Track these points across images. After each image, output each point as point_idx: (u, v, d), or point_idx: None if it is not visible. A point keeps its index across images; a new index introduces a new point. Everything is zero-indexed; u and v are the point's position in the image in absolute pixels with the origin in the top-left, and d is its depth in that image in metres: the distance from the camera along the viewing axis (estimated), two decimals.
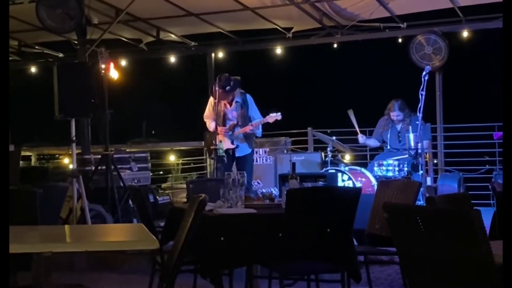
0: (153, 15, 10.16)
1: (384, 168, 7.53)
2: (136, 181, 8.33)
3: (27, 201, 4.14)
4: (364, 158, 9.14)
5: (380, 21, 9.96)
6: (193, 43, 11.37)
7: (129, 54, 11.66)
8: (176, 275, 3.14)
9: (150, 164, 9.16)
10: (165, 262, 4.16)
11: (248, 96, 7.54)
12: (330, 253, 4.09)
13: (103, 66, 7.43)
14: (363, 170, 8.01)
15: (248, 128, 7.38)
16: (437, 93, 10.09)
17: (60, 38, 10.62)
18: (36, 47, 11.67)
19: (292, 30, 10.60)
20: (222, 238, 4.01)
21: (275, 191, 4.83)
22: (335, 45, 10.65)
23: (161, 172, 12.89)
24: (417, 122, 7.02)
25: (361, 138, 8.25)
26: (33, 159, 12.17)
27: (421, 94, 6.88)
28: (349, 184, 7.71)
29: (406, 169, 7.37)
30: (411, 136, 7.11)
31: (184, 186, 9.18)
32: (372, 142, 8.35)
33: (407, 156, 7.33)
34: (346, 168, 8.02)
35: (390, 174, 7.46)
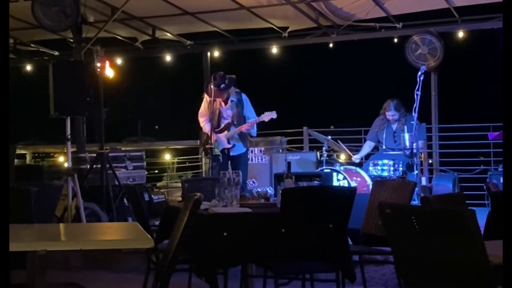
0: (149, 14, 10.15)
1: (379, 167, 7.54)
2: (131, 180, 8.32)
3: (22, 199, 4.13)
4: (359, 161, 9.13)
5: (376, 21, 9.98)
6: (188, 42, 11.37)
7: (125, 53, 11.64)
8: (171, 274, 3.14)
9: (145, 163, 9.17)
10: (160, 261, 4.16)
11: (244, 96, 7.53)
12: (325, 253, 4.09)
13: (98, 64, 7.43)
14: (358, 169, 8.02)
15: (243, 127, 7.37)
16: (433, 93, 10.11)
17: (56, 36, 10.59)
18: (32, 45, 11.65)
19: (288, 30, 10.61)
20: (217, 237, 4.01)
21: (270, 191, 4.83)
22: (331, 45, 10.66)
23: (156, 171, 12.87)
24: (412, 122, 7.03)
25: (356, 159, 8.32)
26: (28, 157, 12.15)
27: (417, 94, 6.89)
28: (344, 183, 7.72)
29: (401, 169, 7.38)
30: (406, 136, 7.12)
31: (179, 185, 9.18)
32: (367, 150, 8.38)
33: (402, 154, 7.34)
34: (341, 168, 8.02)
35: (385, 174, 7.48)
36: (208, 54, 11.36)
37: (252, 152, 9.53)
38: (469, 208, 2.50)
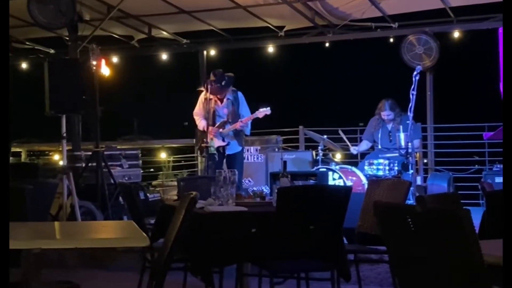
0: (145, 12, 10.13)
1: (374, 167, 7.55)
2: (126, 178, 8.31)
3: (17, 197, 4.13)
4: (355, 157, 9.16)
5: (371, 20, 9.99)
6: (185, 41, 11.36)
7: (121, 51, 11.63)
8: (166, 273, 3.14)
9: (141, 161, 9.15)
10: (155, 260, 4.16)
11: (240, 94, 7.54)
12: (320, 252, 4.10)
13: (94, 62, 7.41)
14: (353, 169, 8.03)
15: (238, 125, 7.37)
16: (428, 93, 10.13)
17: (52, 34, 10.57)
18: (27, 43, 11.62)
19: (284, 29, 10.61)
20: (212, 236, 4.01)
21: (266, 189, 4.84)
22: (327, 44, 10.67)
23: (152, 170, 12.85)
24: (408, 122, 7.04)
25: (354, 150, 8.32)
26: (23, 155, 12.12)
27: (412, 94, 6.91)
28: (339, 182, 7.73)
29: (396, 168, 7.39)
30: (402, 135, 7.14)
31: (175, 183, 9.17)
32: (365, 146, 8.38)
33: (397, 155, 7.35)
34: (337, 167, 8.03)
35: (380, 173, 7.49)
36: (204, 53, 11.36)
37: (248, 151, 9.53)
38: (464, 207, 2.50)
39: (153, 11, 10.01)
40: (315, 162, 8.58)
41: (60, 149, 7.49)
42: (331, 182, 7.66)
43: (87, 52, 7.67)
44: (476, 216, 2.77)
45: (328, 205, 4.08)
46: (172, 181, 11.44)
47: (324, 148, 8.38)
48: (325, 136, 8.38)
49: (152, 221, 5.34)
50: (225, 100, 7.49)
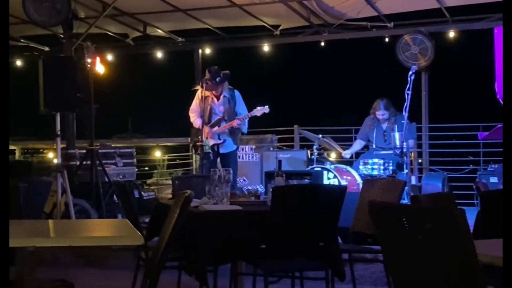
0: (140, 10, 10.11)
1: (369, 166, 7.56)
2: (121, 177, 8.30)
3: (11, 195, 4.10)
4: (350, 157, 9.16)
5: (367, 20, 9.99)
6: (180, 39, 11.34)
7: (116, 49, 11.60)
8: (160, 271, 3.13)
9: (135, 160, 9.14)
10: (149, 258, 4.15)
11: (236, 92, 7.54)
12: (315, 251, 4.10)
13: (89, 60, 7.40)
14: (348, 168, 8.03)
15: (235, 122, 7.36)
16: (423, 93, 10.14)
17: (46, 31, 10.54)
18: (22, 40, 11.58)
19: (280, 28, 10.61)
20: (207, 235, 4.01)
21: (260, 188, 4.84)
22: (322, 43, 10.67)
23: (147, 168, 12.85)
24: (403, 121, 7.05)
25: (346, 155, 8.33)
26: (17, 153, 12.09)
27: (407, 94, 6.91)
28: (334, 182, 7.73)
29: (391, 168, 7.40)
30: (397, 135, 7.14)
31: (170, 182, 9.17)
32: (358, 147, 8.39)
33: (392, 153, 7.36)
34: (332, 166, 8.04)
35: (375, 172, 7.49)
36: (199, 51, 11.35)
37: (242, 150, 9.53)
38: (459, 207, 2.50)
39: (148, 9, 9.99)
40: (310, 162, 8.59)
41: (55, 147, 7.47)
42: (326, 181, 7.67)
43: (82, 49, 7.66)
44: (471, 216, 2.78)
45: (322, 205, 4.08)
46: (166, 179, 11.43)
47: (319, 147, 8.39)
48: (320, 136, 8.38)
49: (147, 220, 5.34)
50: (221, 97, 7.49)
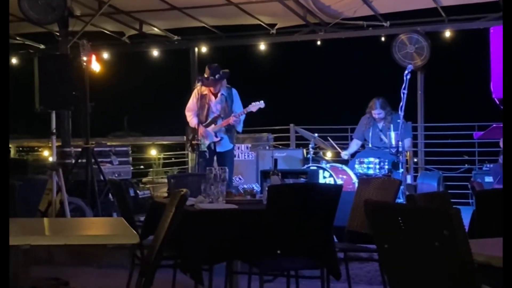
0: (136, 8, 10.09)
1: (365, 165, 7.56)
2: (116, 175, 8.29)
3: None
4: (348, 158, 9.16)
5: (363, 19, 10.00)
6: (176, 37, 11.32)
7: (111, 47, 11.58)
8: (155, 270, 3.13)
9: (131, 158, 9.13)
10: (144, 257, 4.15)
11: (234, 91, 7.54)
12: (310, 250, 4.10)
13: (84, 58, 7.38)
14: (344, 167, 8.04)
15: (231, 119, 7.35)
16: (419, 92, 10.15)
17: (42, 29, 10.52)
18: (17, 38, 11.55)
19: (276, 27, 10.60)
20: (202, 233, 4.00)
21: (256, 187, 4.84)
22: (319, 42, 10.67)
23: (142, 166, 12.84)
24: (398, 121, 7.05)
25: (344, 156, 8.33)
26: (12, 151, 12.06)
27: (403, 93, 6.91)
28: (330, 181, 7.74)
29: (386, 167, 7.41)
30: (393, 134, 7.15)
31: (165, 180, 9.15)
32: (355, 147, 8.38)
33: (387, 152, 7.36)
34: (328, 165, 8.04)
35: (371, 171, 7.50)
36: (195, 50, 11.33)
37: (238, 148, 9.52)
38: (454, 206, 2.50)
39: (145, 7, 9.97)
40: (305, 160, 8.59)
41: (50, 145, 7.46)
42: (321, 180, 7.67)
43: (77, 47, 7.64)
44: (466, 215, 2.78)
45: (318, 204, 4.08)
46: (162, 178, 11.42)
47: (315, 146, 8.39)
48: (316, 134, 8.38)
49: (142, 218, 5.33)
50: (219, 95, 7.49)
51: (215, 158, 7.53)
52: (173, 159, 12.75)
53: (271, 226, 3.98)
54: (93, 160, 7.57)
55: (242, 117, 7.43)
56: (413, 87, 9.48)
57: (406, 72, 6.94)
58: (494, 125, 7.74)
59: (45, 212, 7.11)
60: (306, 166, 8.22)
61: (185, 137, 9.54)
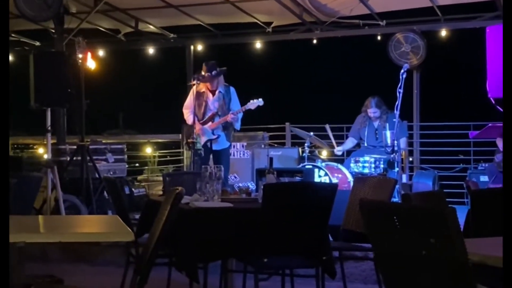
0: (132, 6, 10.08)
1: (360, 164, 7.56)
2: (111, 173, 8.27)
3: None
4: (341, 155, 9.17)
5: (359, 18, 10.01)
6: (172, 35, 11.31)
7: (107, 45, 11.56)
8: (150, 268, 3.12)
9: (126, 156, 9.11)
10: (139, 255, 4.14)
11: (232, 89, 7.54)
12: (306, 248, 4.10)
13: (80, 55, 7.36)
14: (339, 166, 8.04)
15: (229, 116, 7.34)
16: (415, 91, 10.17)
17: (37, 26, 10.48)
18: (13, 35, 11.51)
19: (272, 25, 10.60)
20: (198, 232, 4.00)
21: (252, 186, 4.83)
22: (315, 41, 10.68)
23: (137, 164, 12.81)
24: (394, 120, 7.06)
25: (338, 151, 8.33)
26: None
27: (399, 92, 6.92)
28: (325, 180, 7.74)
29: (382, 166, 7.41)
30: (388, 133, 7.15)
31: (160, 178, 9.15)
32: (350, 144, 8.39)
33: (383, 151, 7.37)
34: (323, 164, 8.04)
35: (366, 170, 7.50)
36: (191, 48, 11.32)
37: (234, 147, 9.51)
38: (449, 206, 2.51)
39: (140, 4, 9.96)
40: (301, 159, 8.59)
41: (45, 142, 7.44)
42: (317, 179, 7.67)
43: (73, 45, 7.61)
44: (461, 214, 2.78)
45: (313, 202, 4.07)
46: (157, 176, 11.42)
47: (310, 145, 8.39)
48: (311, 133, 8.38)
49: (137, 216, 5.31)
50: (216, 92, 7.48)
51: (211, 156, 7.53)
52: (168, 157, 12.73)
53: (266, 224, 3.97)
54: (88, 158, 7.55)
55: (240, 115, 7.43)
56: (409, 86, 9.49)
57: (402, 71, 6.95)
58: (490, 125, 7.76)
59: (40, 210, 7.10)
60: (301, 165, 8.21)
61: (180, 135, 9.54)
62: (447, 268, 2.32)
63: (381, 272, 2.89)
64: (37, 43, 11.81)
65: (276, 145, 10.56)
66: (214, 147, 7.49)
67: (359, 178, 5.45)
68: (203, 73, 7.31)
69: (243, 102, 7.50)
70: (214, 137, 7.44)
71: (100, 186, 7.54)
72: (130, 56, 13.21)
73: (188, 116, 7.54)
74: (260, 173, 6.69)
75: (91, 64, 7.65)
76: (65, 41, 8.70)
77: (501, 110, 8.22)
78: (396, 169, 7.08)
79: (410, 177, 9.11)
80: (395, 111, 6.97)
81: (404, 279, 2.57)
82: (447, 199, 4.19)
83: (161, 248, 3.16)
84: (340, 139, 9.06)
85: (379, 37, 10.26)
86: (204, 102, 7.47)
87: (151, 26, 10.95)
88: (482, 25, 9.35)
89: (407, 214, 2.50)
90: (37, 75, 7.15)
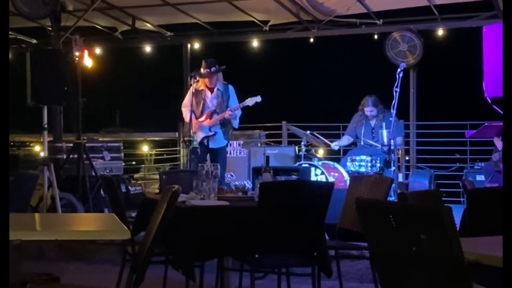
0: (129, 4, 10.06)
1: (357, 163, 7.57)
2: (108, 171, 8.27)
3: None
4: (338, 153, 9.18)
5: (356, 17, 10.01)
6: (169, 33, 11.30)
7: (104, 42, 11.54)
8: (147, 266, 3.12)
9: (122, 154, 9.11)
10: (136, 253, 4.14)
11: (230, 87, 7.55)
12: (302, 247, 4.10)
13: (77, 53, 7.35)
14: (336, 165, 8.04)
15: (226, 113, 7.34)
16: (411, 91, 10.18)
17: (34, 24, 10.46)
18: (10, 32, 11.49)
19: (269, 23, 10.60)
20: (194, 230, 4.00)
21: (248, 184, 4.83)
22: (312, 40, 10.68)
23: (134, 162, 12.81)
24: (391, 119, 7.07)
25: (335, 146, 8.33)
26: None
27: (395, 91, 6.93)
28: (322, 178, 7.74)
29: (378, 165, 7.42)
30: (385, 132, 7.16)
31: (157, 176, 9.14)
32: (346, 141, 8.39)
33: (379, 150, 7.37)
34: (320, 163, 8.04)
35: (362, 169, 7.51)
36: (188, 46, 11.31)
37: (230, 145, 9.52)
38: (445, 205, 2.51)
39: (137, 2, 9.94)
40: (297, 158, 8.59)
41: (41, 140, 7.43)
42: (313, 178, 7.67)
43: (70, 43, 7.61)
44: (457, 213, 2.79)
45: (310, 201, 4.08)
46: (154, 174, 11.41)
47: (307, 143, 8.39)
48: (308, 132, 8.38)
49: (134, 214, 5.32)
50: (215, 90, 7.49)
51: (207, 154, 7.52)
52: (165, 155, 12.73)
53: (263, 223, 3.98)
54: (84, 156, 7.54)
55: (238, 113, 7.43)
56: (406, 85, 9.50)
57: (398, 70, 6.96)
58: (486, 124, 7.77)
59: (36, 208, 7.09)
60: (298, 163, 8.22)
61: (177, 133, 9.53)
62: (443, 267, 2.32)
63: (377, 271, 2.89)
64: (34, 41, 11.78)
65: (272, 143, 10.56)
66: (211, 145, 7.49)
67: (356, 177, 5.46)
68: (202, 70, 7.32)
69: (240, 100, 7.51)
70: (211, 133, 7.44)
71: (96, 184, 7.54)
72: (127, 54, 13.19)
73: (187, 114, 7.55)
74: (256, 172, 6.68)
75: (88, 62, 7.64)
76: (62, 39, 8.69)
77: (498, 109, 8.24)
78: (393, 168, 7.09)
79: (406, 176, 9.12)
80: (392, 110, 6.98)
81: (400, 278, 2.57)
82: (443, 198, 4.20)
83: (157, 246, 3.17)
84: (336, 138, 9.07)
85: (376, 36, 10.27)
86: (202, 100, 7.47)
87: (148, 24, 10.94)
88: (479, 24, 9.36)
89: (403, 213, 2.50)
90: (33, 73, 7.14)
